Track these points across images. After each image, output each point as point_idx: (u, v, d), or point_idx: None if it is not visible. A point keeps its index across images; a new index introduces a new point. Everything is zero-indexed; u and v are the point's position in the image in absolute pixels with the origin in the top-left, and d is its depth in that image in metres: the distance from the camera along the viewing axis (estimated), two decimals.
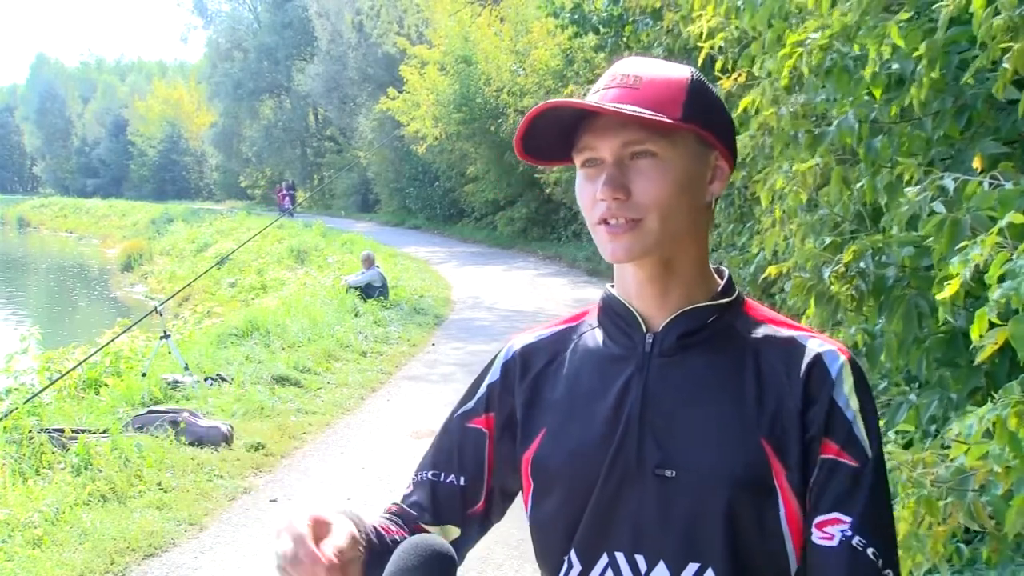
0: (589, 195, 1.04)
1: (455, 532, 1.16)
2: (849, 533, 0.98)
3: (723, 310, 1.08)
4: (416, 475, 1.20)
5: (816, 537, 1.00)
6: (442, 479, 1.17)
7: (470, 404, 1.19)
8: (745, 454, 1.01)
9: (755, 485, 1.00)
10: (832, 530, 0.99)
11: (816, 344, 1.05)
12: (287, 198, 30.68)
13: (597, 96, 1.04)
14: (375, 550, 1.02)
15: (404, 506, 1.17)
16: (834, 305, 2.58)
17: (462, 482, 1.16)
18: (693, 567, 1.01)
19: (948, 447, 2.03)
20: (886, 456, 2.07)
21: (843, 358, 1.03)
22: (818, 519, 1.00)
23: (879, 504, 1.00)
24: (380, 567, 0.97)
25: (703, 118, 1.03)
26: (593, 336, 1.14)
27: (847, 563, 0.98)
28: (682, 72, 1.05)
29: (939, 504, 1.98)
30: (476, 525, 1.18)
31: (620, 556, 1.04)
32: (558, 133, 1.05)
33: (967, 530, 2.07)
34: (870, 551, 0.98)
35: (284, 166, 41.10)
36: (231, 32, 43.77)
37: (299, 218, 26.18)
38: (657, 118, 0.99)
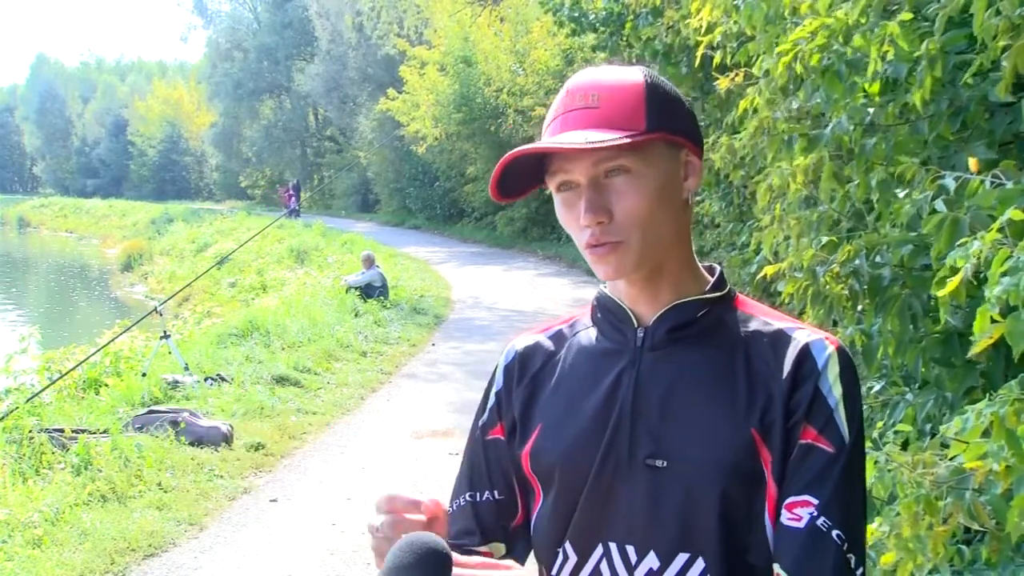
0: (573, 220, 1.05)
1: (501, 549, 1.16)
2: (815, 514, 0.98)
3: (713, 304, 1.09)
4: (452, 504, 1.19)
5: (784, 518, 1.00)
6: (479, 498, 1.17)
7: (485, 416, 1.20)
8: (736, 445, 1.01)
9: (746, 475, 1.01)
10: (800, 512, 0.99)
11: (804, 335, 1.06)
12: (292, 198, 30.58)
13: (558, 122, 1.04)
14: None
15: (450, 541, 1.17)
16: (829, 305, 2.58)
17: (497, 496, 1.17)
18: (683, 557, 1.02)
19: (947, 446, 2.02)
20: (885, 458, 2.07)
21: (831, 347, 1.04)
22: (788, 500, 1.00)
23: (850, 490, 1.00)
24: None
25: (667, 122, 1.04)
26: (588, 334, 1.16)
27: (811, 544, 0.98)
28: (635, 77, 1.05)
29: (939, 504, 1.97)
30: (522, 539, 1.17)
31: (613, 547, 1.05)
32: (529, 162, 1.06)
33: (967, 530, 2.07)
34: (835, 533, 0.98)
35: (284, 166, 41.12)
36: (231, 32, 43.82)
37: (300, 218, 26.17)
38: (625, 141, 0.99)
